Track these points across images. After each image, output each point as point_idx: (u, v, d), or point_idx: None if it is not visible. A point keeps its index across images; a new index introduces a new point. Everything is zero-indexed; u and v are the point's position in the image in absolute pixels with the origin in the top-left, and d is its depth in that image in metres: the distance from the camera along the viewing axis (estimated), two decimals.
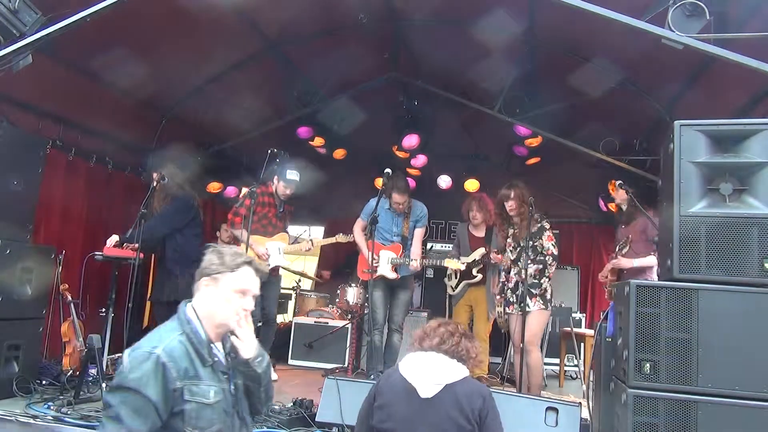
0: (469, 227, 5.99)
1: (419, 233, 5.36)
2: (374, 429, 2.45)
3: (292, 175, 5.19)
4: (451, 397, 2.35)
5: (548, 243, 4.71)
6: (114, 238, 4.99)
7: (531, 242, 4.65)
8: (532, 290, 4.62)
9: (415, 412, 2.36)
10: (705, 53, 3.24)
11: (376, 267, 5.05)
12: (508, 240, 4.92)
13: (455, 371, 2.44)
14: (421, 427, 2.34)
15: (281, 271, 5.67)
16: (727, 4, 3.41)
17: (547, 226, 4.79)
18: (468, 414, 2.32)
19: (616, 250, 4.61)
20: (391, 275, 5.17)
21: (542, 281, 4.68)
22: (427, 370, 2.43)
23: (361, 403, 2.60)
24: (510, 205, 4.79)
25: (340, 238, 5.51)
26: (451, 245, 6.87)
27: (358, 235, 5.34)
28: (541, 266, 4.69)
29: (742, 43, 3.32)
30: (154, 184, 5.01)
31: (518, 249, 4.77)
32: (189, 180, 5.59)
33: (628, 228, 4.70)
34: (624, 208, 4.90)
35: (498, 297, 5.09)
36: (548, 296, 4.69)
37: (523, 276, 4.55)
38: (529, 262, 4.58)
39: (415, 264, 5.18)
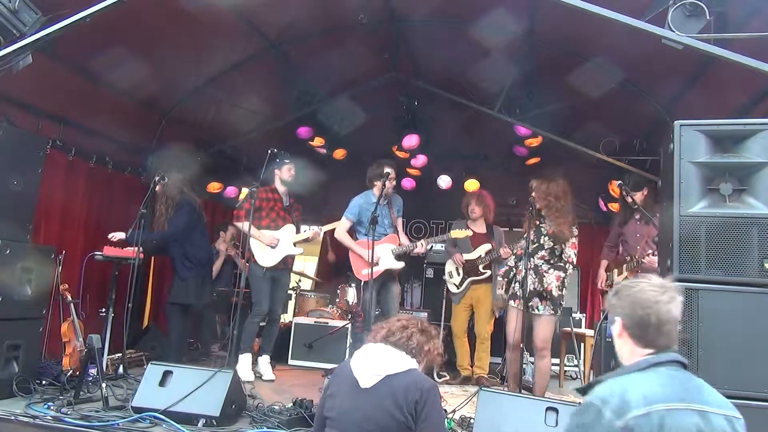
0: (468, 223, 5.90)
1: (400, 222, 5.63)
2: (324, 418, 2.48)
3: (286, 157, 5.52)
4: (387, 388, 2.34)
5: (571, 251, 4.50)
6: (120, 235, 5.06)
7: (553, 244, 4.50)
8: (547, 295, 4.44)
9: (355, 402, 2.37)
10: (705, 53, 3.23)
11: (377, 264, 5.09)
12: (531, 231, 4.63)
13: (398, 363, 2.42)
14: (356, 416, 2.34)
15: None
16: (727, 4, 3.41)
17: (576, 233, 4.55)
18: (402, 406, 2.29)
19: (654, 247, 4.42)
20: (398, 265, 5.28)
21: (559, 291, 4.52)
22: (370, 361, 2.43)
23: None
24: (535, 195, 4.59)
25: None
26: None
27: (344, 235, 5.34)
28: (563, 275, 4.48)
29: (742, 43, 3.32)
30: (155, 184, 5.19)
31: (536, 245, 4.55)
32: (188, 182, 5.64)
33: (650, 226, 4.65)
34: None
35: (500, 279, 4.92)
36: (559, 302, 4.50)
37: (543, 285, 4.42)
38: (549, 267, 4.46)
39: (421, 246, 5.35)
